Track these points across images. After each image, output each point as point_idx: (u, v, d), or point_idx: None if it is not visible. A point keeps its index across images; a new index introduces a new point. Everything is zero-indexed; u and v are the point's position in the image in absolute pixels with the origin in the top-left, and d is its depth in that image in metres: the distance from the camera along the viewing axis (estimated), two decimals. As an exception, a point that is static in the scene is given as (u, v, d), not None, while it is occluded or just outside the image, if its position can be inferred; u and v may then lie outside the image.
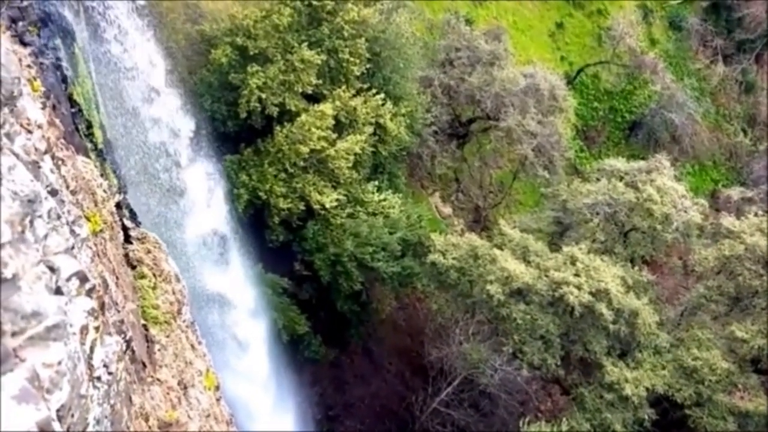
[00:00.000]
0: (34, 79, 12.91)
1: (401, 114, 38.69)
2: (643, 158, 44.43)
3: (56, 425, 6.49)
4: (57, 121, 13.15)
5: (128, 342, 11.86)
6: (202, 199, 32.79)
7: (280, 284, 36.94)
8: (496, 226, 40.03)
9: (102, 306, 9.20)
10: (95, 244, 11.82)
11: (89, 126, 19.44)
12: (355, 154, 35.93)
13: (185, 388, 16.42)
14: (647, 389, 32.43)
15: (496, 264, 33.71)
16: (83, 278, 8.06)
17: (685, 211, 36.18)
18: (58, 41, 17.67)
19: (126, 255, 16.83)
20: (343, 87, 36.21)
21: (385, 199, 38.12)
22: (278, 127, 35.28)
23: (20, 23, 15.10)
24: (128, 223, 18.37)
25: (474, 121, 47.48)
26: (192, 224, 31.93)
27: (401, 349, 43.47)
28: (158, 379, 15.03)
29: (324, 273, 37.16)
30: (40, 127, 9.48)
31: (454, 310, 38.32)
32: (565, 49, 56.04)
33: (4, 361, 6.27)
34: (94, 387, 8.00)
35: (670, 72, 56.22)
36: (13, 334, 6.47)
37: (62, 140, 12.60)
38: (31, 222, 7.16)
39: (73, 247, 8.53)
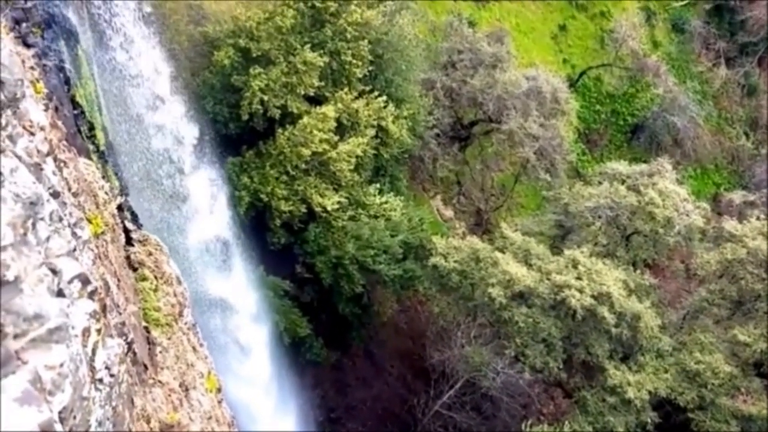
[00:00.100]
0: (37, 80, 12.92)
1: (403, 116, 38.69)
2: (645, 161, 44.36)
3: (58, 427, 6.48)
4: (59, 123, 13.15)
5: (130, 344, 11.86)
6: (206, 205, 32.84)
7: (282, 287, 36.95)
8: (498, 229, 40.00)
9: (103, 308, 9.19)
10: (97, 246, 11.82)
11: (91, 128, 19.46)
12: (357, 157, 35.92)
13: (187, 390, 16.42)
14: (650, 392, 32.40)
15: (497, 267, 33.68)
16: (85, 281, 8.05)
17: (687, 215, 36.14)
18: (61, 43, 17.69)
19: (127, 257, 16.84)
20: (346, 89, 36.21)
21: (386, 202, 38.11)
22: (280, 130, 35.29)
23: (24, 25, 15.12)
24: (130, 225, 18.39)
25: (476, 124, 47.47)
26: (195, 230, 31.97)
27: (403, 352, 43.44)
28: (160, 381, 15.03)
29: (325, 275, 37.15)
30: (42, 129, 9.48)
31: (455, 313, 38.29)
32: (567, 52, 56.01)
33: (7, 364, 6.26)
34: (96, 389, 7.99)
35: (672, 75, 56.18)
36: (16, 337, 6.46)
37: (64, 142, 12.61)
38: (34, 224, 7.15)
39: (74, 250, 8.52)
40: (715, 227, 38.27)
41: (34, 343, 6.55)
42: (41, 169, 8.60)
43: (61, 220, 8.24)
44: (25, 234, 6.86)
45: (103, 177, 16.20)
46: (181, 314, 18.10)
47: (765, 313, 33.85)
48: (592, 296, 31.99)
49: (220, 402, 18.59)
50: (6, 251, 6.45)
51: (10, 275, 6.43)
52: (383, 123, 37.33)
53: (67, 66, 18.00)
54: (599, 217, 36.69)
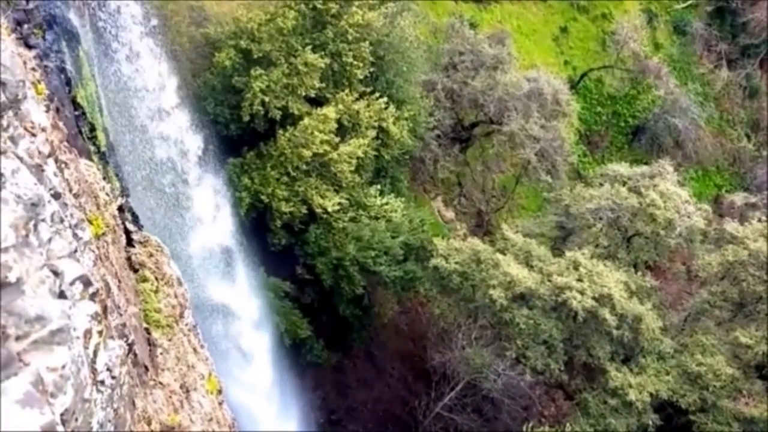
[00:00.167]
0: (39, 82, 12.90)
1: (404, 118, 38.69)
2: (646, 163, 44.37)
3: (60, 429, 6.46)
4: (60, 124, 13.13)
5: (131, 346, 11.83)
6: (209, 214, 32.88)
7: (282, 288, 36.94)
8: (499, 230, 39.98)
9: (105, 310, 9.17)
10: (98, 248, 11.80)
11: (92, 129, 19.49)
12: (358, 158, 35.92)
13: (187, 391, 16.39)
14: (651, 395, 32.36)
15: (498, 269, 33.66)
16: (87, 282, 8.03)
17: (689, 217, 36.11)
18: (62, 44, 17.70)
19: (128, 258, 16.81)
20: (347, 90, 36.22)
21: (387, 203, 38.10)
22: (281, 131, 35.29)
23: (25, 26, 15.12)
24: (130, 226, 18.36)
25: (477, 125, 47.47)
26: (198, 239, 32.01)
27: (404, 354, 43.41)
28: (160, 383, 15.00)
29: (326, 277, 37.14)
30: (43, 130, 9.45)
31: (456, 314, 38.27)
32: (568, 54, 56.01)
33: (9, 366, 6.23)
34: (98, 391, 7.97)
35: (674, 77, 56.17)
36: (18, 338, 6.44)
37: (65, 143, 12.59)
38: (35, 226, 7.13)
39: (76, 251, 8.50)
40: (716, 229, 38.25)
41: (36, 345, 6.53)
42: (42, 171, 8.57)
43: (62, 221, 8.22)
44: (26, 235, 6.84)
45: (104, 178, 16.18)
46: (181, 316, 18.08)
47: (766, 315, 33.80)
48: (593, 298, 31.96)
49: (221, 404, 18.56)
50: (8, 253, 6.43)
51: (12, 277, 6.41)
52: (384, 124, 37.33)
53: (69, 67, 18.02)
54: (600, 218, 36.67)
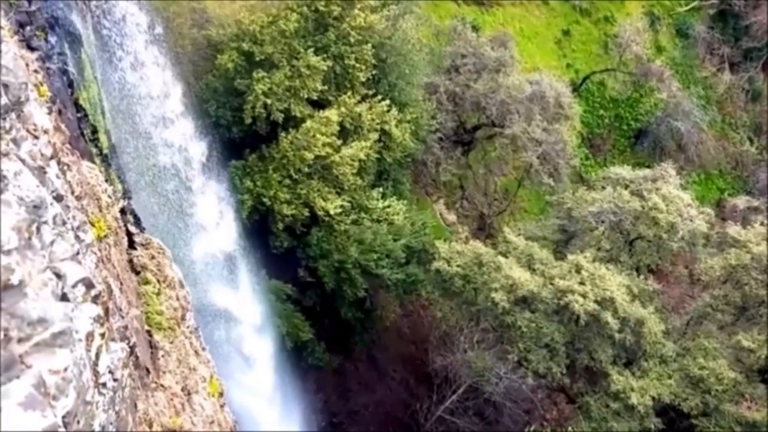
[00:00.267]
0: (41, 84, 12.89)
1: (406, 120, 38.69)
2: (648, 166, 44.33)
3: (62, 431, 6.45)
4: (63, 126, 13.13)
5: (132, 348, 11.81)
6: (213, 221, 32.90)
7: (284, 291, 36.93)
8: (501, 233, 39.95)
9: (107, 312, 9.15)
10: (100, 250, 11.78)
11: (94, 131, 19.49)
12: (360, 161, 35.92)
13: (189, 394, 16.37)
14: (653, 398, 32.30)
15: (500, 272, 33.63)
16: (89, 285, 8.02)
17: (691, 220, 36.06)
18: (65, 46, 17.70)
19: (130, 260, 16.81)
20: (349, 93, 36.21)
21: (389, 206, 38.08)
22: (283, 133, 35.28)
23: (28, 28, 15.12)
24: (132, 228, 18.36)
25: (479, 128, 47.45)
26: (202, 246, 32.02)
27: (406, 357, 43.36)
28: (162, 385, 14.98)
29: (328, 279, 37.12)
30: (46, 132, 9.45)
31: (458, 317, 38.23)
32: (571, 57, 56.00)
33: (11, 368, 6.23)
34: (100, 393, 7.95)
35: (676, 80, 56.15)
36: (20, 341, 6.43)
37: (68, 145, 12.58)
38: (38, 228, 7.12)
39: (78, 253, 8.49)
40: (718, 233, 38.18)
41: (38, 347, 6.52)
42: (45, 173, 8.56)
43: (64, 223, 8.21)
44: (29, 238, 6.83)
45: (106, 180, 16.17)
46: (183, 318, 18.07)
47: (769, 318, 33.78)
48: (596, 301, 31.91)
49: (222, 406, 18.54)
50: (10, 255, 6.42)
51: (14, 279, 6.40)
52: (386, 127, 37.33)
53: (71, 69, 18.02)
54: (602, 222, 36.62)
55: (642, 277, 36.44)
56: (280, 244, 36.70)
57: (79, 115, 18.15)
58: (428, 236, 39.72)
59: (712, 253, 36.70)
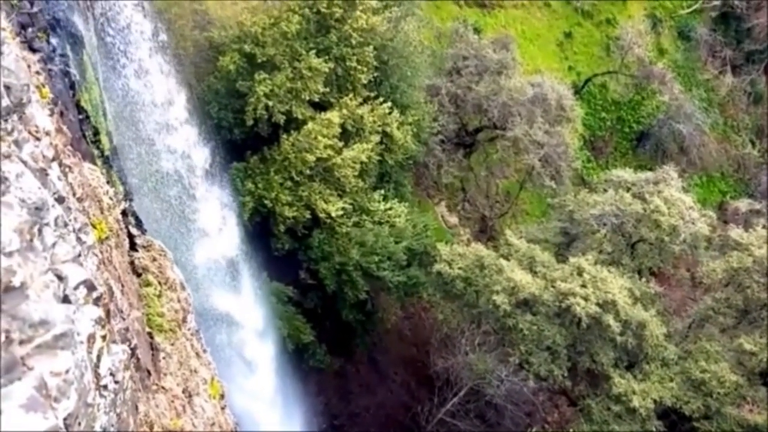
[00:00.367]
0: (43, 85, 12.88)
1: (408, 123, 38.67)
2: (650, 169, 44.26)
3: (63, 434, 6.45)
4: (64, 127, 13.13)
5: (133, 350, 11.80)
6: (216, 227, 32.91)
7: (285, 293, 36.92)
8: (503, 236, 39.90)
9: (108, 314, 9.14)
10: (101, 252, 11.77)
11: (96, 133, 19.47)
12: (362, 163, 35.91)
13: (190, 396, 16.35)
14: (655, 401, 32.27)
15: (502, 274, 33.61)
16: (91, 287, 8.01)
17: (693, 223, 36.02)
18: (67, 48, 17.70)
19: (131, 262, 16.79)
20: (350, 95, 36.20)
21: (391, 208, 38.06)
22: (284, 135, 35.27)
23: (30, 29, 15.12)
24: (134, 230, 18.35)
25: (481, 131, 47.43)
26: (204, 251, 32.04)
27: (407, 359, 43.33)
28: (163, 387, 14.96)
29: (329, 282, 37.10)
30: (47, 134, 9.44)
31: (460, 320, 38.20)
32: (573, 59, 55.99)
33: (12, 370, 6.22)
34: (101, 395, 7.94)
35: (678, 82, 56.06)
36: (21, 343, 6.42)
37: (69, 147, 12.57)
38: (40, 230, 7.11)
39: (79, 255, 8.47)
40: (720, 235, 38.14)
41: (40, 349, 6.52)
42: (46, 175, 8.56)
43: (66, 225, 8.20)
44: (31, 240, 6.82)
45: (108, 182, 16.16)
46: (184, 320, 18.05)
47: (771, 322, 33.75)
48: (597, 304, 31.88)
49: (223, 408, 18.52)
50: (12, 257, 6.42)
51: (16, 281, 6.39)
52: (388, 129, 37.31)
53: (72, 71, 18.01)
54: (604, 224, 36.59)
55: (644, 279, 36.41)
56: (281, 246, 36.69)
57: (80, 116, 18.14)
58: (430, 238, 39.70)
59: (713, 256, 36.68)
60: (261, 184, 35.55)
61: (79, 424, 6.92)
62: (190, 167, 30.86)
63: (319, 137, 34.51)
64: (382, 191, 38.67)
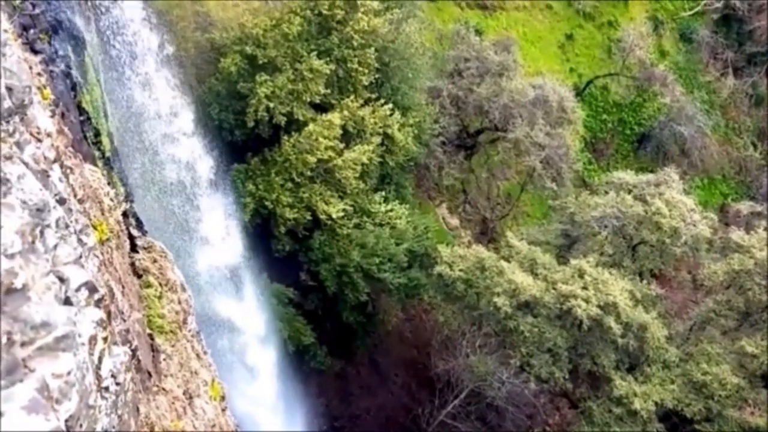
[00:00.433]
0: (44, 87, 12.88)
1: (409, 124, 38.65)
2: (651, 171, 44.26)
3: (64, 436, 6.44)
4: (66, 129, 13.13)
5: (134, 351, 11.80)
6: (219, 237, 32.93)
7: (286, 294, 36.89)
8: (504, 238, 39.90)
9: (109, 316, 9.13)
10: (102, 253, 11.76)
11: (97, 134, 19.48)
12: (363, 165, 35.88)
13: (191, 397, 16.33)
14: (656, 403, 32.26)
15: (503, 276, 33.61)
16: (92, 288, 8.00)
17: (694, 225, 36.01)
18: (68, 49, 17.71)
19: (132, 264, 16.78)
20: (352, 97, 36.19)
21: (391, 210, 38.03)
22: (286, 137, 35.27)
23: (31, 31, 15.13)
24: (135, 231, 18.33)
25: (482, 132, 47.42)
26: (208, 261, 32.04)
27: (407, 361, 43.31)
28: (164, 389, 14.95)
29: (330, 283, 37.07)
30: (49, 135, 9.43)
31: (460, 322, 38.18)
32: (574, 61, 55.96)
33: (14, 372, 6.21)
34: (102, 397, 7.93)
35: (679, 84, 56.00)
36: (23, 345, 6.41)
37: (70, 148, 12.57)
38: (41, 232, 7.10)
39: (81, 257, 8.47)
40: (722, 238, 38.13)
41: (41, 351, 6.51)
42: (48, 176, 8.55)
43: (67, 227, 8.19)
44: (33, 242, 6.82)
45: (109, 183, 16.16)
46: (185, 321, 18.03)
47: (772, 324, 33.73)
48: (599, 306, 31.88)
49: (224, 410, 18.50)
50: (14, 259, 6.41)
51: (18, 283, 6.39)
52: (389, 131, 37.28)
53: (74, 72, 18.02)
54: (605, 226, 36.57)
55: (645, 282, 36.41)
56: (282, 248, 36.67)
57: (81, 117, 18.14)
58: (430, 240, 39.67)
59: (715, 259, 36.66)
60: (262, 185, 35.55)
61: (81, 425, 6.91)
62: (194, 180, 30.92)
63: (320, 139, 34.51)
64: (383, 193, 38.64)
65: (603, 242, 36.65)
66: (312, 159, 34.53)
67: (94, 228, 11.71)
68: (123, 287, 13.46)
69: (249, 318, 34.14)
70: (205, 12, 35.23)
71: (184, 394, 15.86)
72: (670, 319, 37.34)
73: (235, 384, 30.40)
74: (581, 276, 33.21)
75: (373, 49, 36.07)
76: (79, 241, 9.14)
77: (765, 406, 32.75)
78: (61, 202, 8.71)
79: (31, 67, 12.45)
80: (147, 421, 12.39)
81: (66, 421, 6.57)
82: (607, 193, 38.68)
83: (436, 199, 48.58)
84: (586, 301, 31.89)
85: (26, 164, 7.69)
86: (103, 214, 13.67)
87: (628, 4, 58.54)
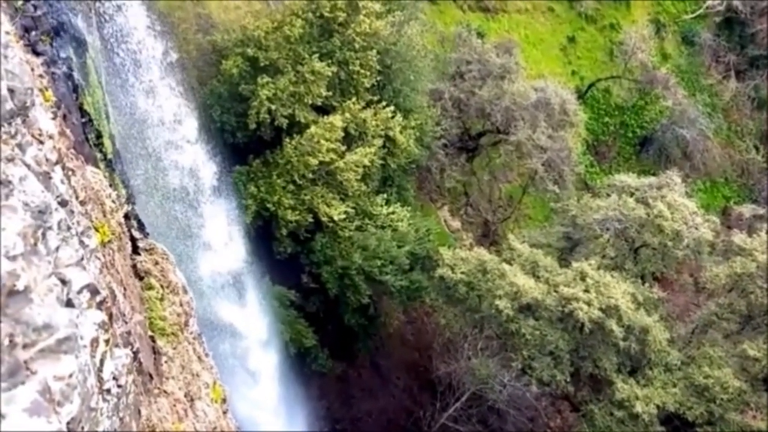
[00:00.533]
0: (46, 89, 12.87)
1: (411, 127, 38.64)
2: (653, 174, 44.25)
3: (66, 438, 6.43)
4: (67, 130, 13.11)
5: (136, 354, 11.78)
6: (222, 243, 32.94)
7: (288, 296, 36.88)
8: (505, 240, 39.87)
9: (111, 318, 9.11)
10: (104, 255, 11.75)
11: (99, 136, 19.47)
12: (364, 167, 35.87)
13: (192, 400, 16.31)
14: (658, 407, 32.21)
15: (505, 279, 33.58)
16: (94, 291, 7.98)
17: (696, 228, 35.97)
18: (70, 51, 17.71)
19: (134, 266, 16.76)
20: (353, 99, 36.19)
21: (393, 212, 38.01)
22: (287, 139, 35.28)
23: (33, 33, 15.12)
24: (136, 233, 18.32)
25: (484, 135, 47.41)
26: (211, 266, 32.04)
27: (409, 364, 43.27)
28: (165, 391, 14.93)
29: (331, 286, 37.05)
30: (51, 137, 9.42)
31: (462, 324, 38.16)
32: (576, 64, 55.95)
33: (16, 374, 6.20)
34: (104, 400, 7.91)
35: (682, 87, 55.96)
36: (25, 347, 6.40)
37: (72, 150, 12.55)
38: (43, 234, 7.09)
39: (82, 259, 8.45)
40: (724, 241, 38.09)
41: (43, 353, 6.50)
42: (50, 178, 8.54)
43: (69, 228, 8.18)
44: (35, 244, 6.80)
45: (110, 185, 16.14)
46: (186, 324, 18.00)
47: (774, 327, 33.68)
48: (600, 309, 31.85)
49: (225, 412, 18.47)
50: (16, 261, 6.40)
51: (20, 285, 6.37)
52: (391, 133, 37.28)
53: (76, 74, 18.02)
54: (607, 229, 36.54)
55: (647, 284, 36.39)
56: (283, 250, 36.66)
57: (83, 120, 18.13)
58: (432, 243, 39.64)
59: (717, 262, 36.61)
60: (263, 187, 35.55)
61: (83, 428, 6.89)
62: (199, 189, 30.96)
63: (322, 141, 34.51)
64: (385, 195, 38.63)
65: (605, 245, 36.62)
66: (314, 161, 34.52)
67: (96, 230, 11.70)
68: (125, 289, 13.44)
69: (251, 323, 34.14)
70: (207, 14, 35.29)
71: (185, 396, 15.83)
72: (672, 322, 37.30)
73: (236, 387, 30.38)
74: (583, 279, 33.18)
75: (374, 51, 36.07)
76: (81, 243, 9.13)
77: (767, 410, 32.68)
78: (63, 204, 8.70)
79: (33, 69, 12.44)
80: (148, 423, 12.37)
81: (68, 423, 6.56)
82: (609, 195, 38.65)
83: (438, 201, 48.55)
84: (588, 304, 31.86)
85: (28, 166, 7.68)
86: (104, 216, 13.65)
87: (630, 6, 58.54)
